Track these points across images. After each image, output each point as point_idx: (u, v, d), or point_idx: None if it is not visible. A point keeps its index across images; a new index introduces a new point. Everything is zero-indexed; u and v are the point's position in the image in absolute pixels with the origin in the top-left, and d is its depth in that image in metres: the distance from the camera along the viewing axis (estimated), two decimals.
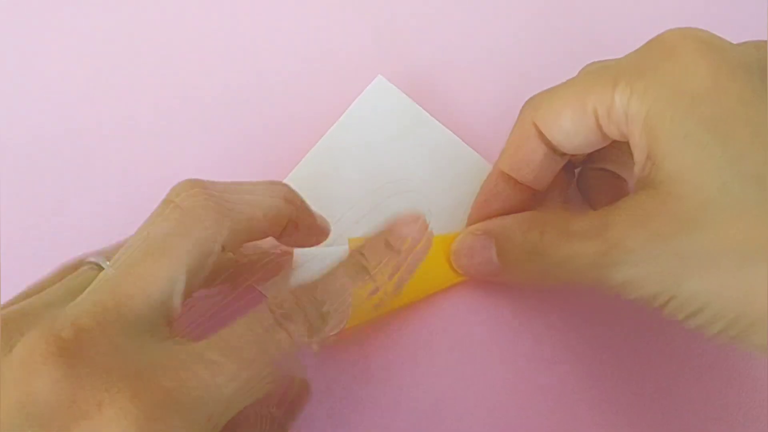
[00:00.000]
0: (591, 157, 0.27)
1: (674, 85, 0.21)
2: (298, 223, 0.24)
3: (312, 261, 0.27)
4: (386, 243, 0.23)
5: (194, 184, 0.21)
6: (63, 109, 0.31)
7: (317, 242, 0.26)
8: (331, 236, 0.27)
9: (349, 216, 0.29)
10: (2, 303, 0.21)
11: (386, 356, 0.27)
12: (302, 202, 0.24)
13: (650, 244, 0.20)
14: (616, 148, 0.25)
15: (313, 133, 0.30)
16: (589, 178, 0.28)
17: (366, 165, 0.30)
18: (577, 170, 0.29)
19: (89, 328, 0.18)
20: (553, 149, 0.25)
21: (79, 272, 0.21)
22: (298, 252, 0.27)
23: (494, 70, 0.32)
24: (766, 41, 0.22)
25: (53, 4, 0.33)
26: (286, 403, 0.24)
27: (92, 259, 0.22)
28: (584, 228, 0.22)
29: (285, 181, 0.29)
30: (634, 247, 0.20)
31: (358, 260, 0.22)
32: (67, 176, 0.30)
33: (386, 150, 0.30)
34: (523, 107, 0.25)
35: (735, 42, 0.22)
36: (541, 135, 0.24)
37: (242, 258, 0.26)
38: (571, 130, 0.23)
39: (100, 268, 0.21)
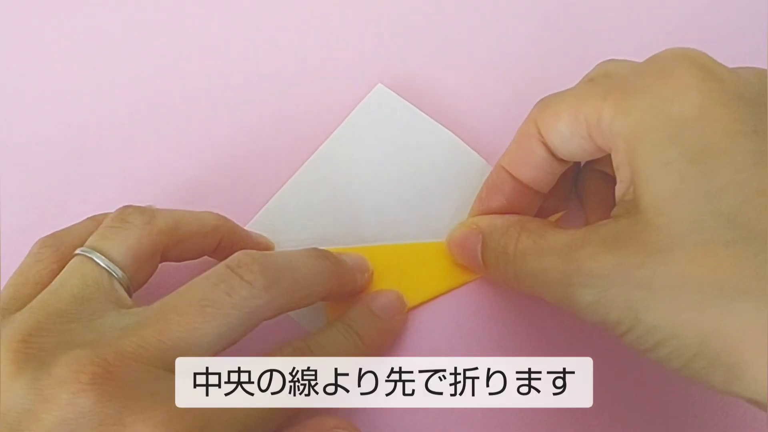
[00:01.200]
0: (592, 160, 0.27)
1: (661, 109, 0.20)
2: (338, 291, 0.26)
3: None
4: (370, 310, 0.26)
5: (255, 259, 0.22)
6: (63, 108, 0.32)
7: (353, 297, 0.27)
8: (333, 239, 0.29)
9: (350, 221, 0.29)
10: None
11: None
12: (345, 273, 0.26)
13: (616, 270, 0.20)
14: None
15: (312, 140, 0.30)
16: (586, 179, 0.28)
17: (368, 171, 0.30)
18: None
19: (130, 354, 0.19)
20: (551, 153, 0.25)
21: (77, 271, 0.22)
22: None
23: (497, 74, 0.32)
24: (767, 70, 0.22)
25: (53, 4, 0.33)
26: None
27: (80, 252, 0.22)
28: (557, 244, 0.22)
29: (283, 189, 0.29)
30: (600, 272, 0.20)
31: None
32: (67, 176, 0.30)
33: (387, 155, 0.30)
34: (534, 106, 0.25)
35: (738, 64, 0.22)
36: (540, 136, 0.24)
37: None
38: (567, 136, 0.23)
39: (92, 261, 0.22)
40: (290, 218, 0.29)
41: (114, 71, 0.32)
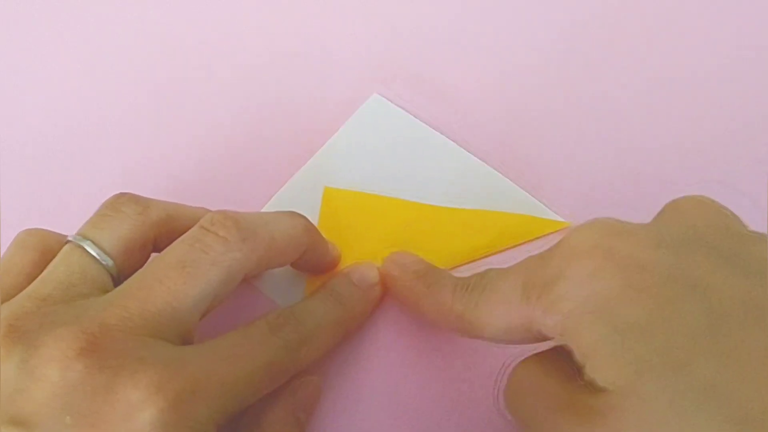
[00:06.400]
0: None
1: (584, 294, 0.19)
2: (313, 253, 0.26)
3: None
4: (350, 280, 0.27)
5: (228, 216, 0.23)
6: (62, 106, 0.32)
7: (328, 269, 0.28)
8: None
9: None
10: None
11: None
12: (318, 233, 0.26)
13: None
14: None
15: (309, 146, 0.30)
16: None
17: (363, 179, 0.30)
18: None
19: (115, 326, 0.20)
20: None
21: (66, 258, 0.22)
22: None
23: (498, 77, 0.32)
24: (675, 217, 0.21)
25: (53, 4, 0.34)
26: (309, 407, 0.26)
27: (71, 239, 0.22)
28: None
29: (278, 194, 0.30)
30: None
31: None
32: (67, 175, 0.31)
33: (383, 163, 0.30)
34: (449, 296, 0.23)
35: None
36: (475, 331, 0.23)
37: None
38: (504, 335, 0.22)
39: (82, 248, 0.22)
40: None
41: (114, 71, 0.33)
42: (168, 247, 0.22)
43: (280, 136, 0.31)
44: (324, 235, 0.27)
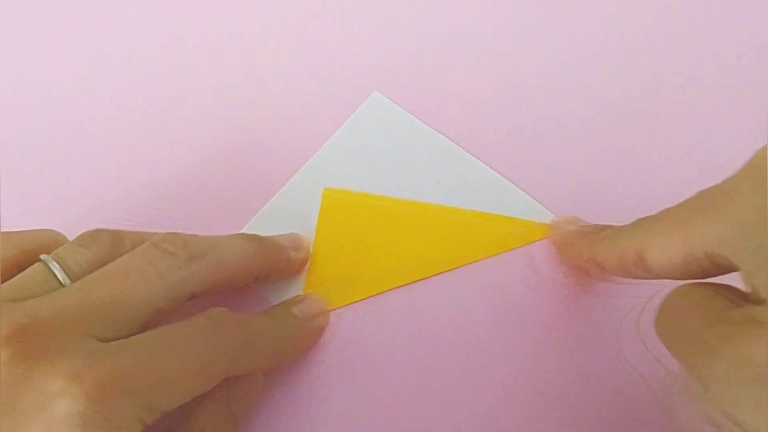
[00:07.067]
0: None
1: (756, 204, 0.18)
2: (275, 273, 0.27)
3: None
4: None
5: (178, 236, 0.23)
6: (62, 109, 0.32)
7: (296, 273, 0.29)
8: None
9: None
10: None
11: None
12: (274, 254, 0.27)
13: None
14: None
15: (309, 146, 0.30)
16: None
17: (363, 178, 0.30)
18: None
19: (45, 319, 0.19)
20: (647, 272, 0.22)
21: (32, 271, 0.22)
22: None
23: (499, 79, 0.32)
24: None
25: (53, 3, 0.34)
26: (247, 403, 0.25)
27: (43, 258, 0.22)
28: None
29: (278, 194, 0.30)
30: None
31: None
32: (66, 177, 0.31)
33: (383, 162, 0.30)
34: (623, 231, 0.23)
35: None
36: (640, 260, 0.22)
37: None
38: (676, 261, 0.21)
39: (47, 267, 0.22)
40: (284, 224, 0.29)
41: (114, 72, 0.33)
42: (118, 258, 0.22)
43: (280, 136, 0.31)
44: (323, 236, 0.27)
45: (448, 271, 0.29)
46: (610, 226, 0.25)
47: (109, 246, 0.23)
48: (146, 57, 0.33)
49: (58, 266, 0.22)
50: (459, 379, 0.27)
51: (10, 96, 0.32)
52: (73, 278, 0.22)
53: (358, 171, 0.30)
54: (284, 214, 0.30)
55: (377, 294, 0.29)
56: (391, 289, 0.29)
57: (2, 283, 0.22)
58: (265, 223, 0.30)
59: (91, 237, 0.23)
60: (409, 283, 0.29)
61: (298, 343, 0.27)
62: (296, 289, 0.28)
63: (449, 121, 0.31)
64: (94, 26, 0.34)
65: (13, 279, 0.22)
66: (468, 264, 0.29)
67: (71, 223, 0.25)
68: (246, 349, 0.23)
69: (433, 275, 0.29)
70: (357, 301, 0.28)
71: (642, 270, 0.22)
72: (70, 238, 0.24)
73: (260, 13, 0.34)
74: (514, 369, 0.27)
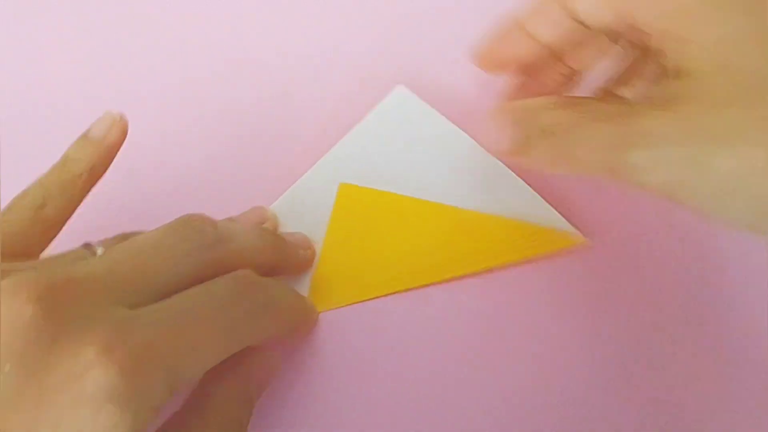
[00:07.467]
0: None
1: None
2: (277, 269, 0.27)
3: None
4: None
5: (207, 217, 0.24)
6: (64, 108, 0.31)
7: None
8: None
9: None
10: None
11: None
12: (286, 251, 0.27)
13: (675, 124, 0.19)
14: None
15: (329, 138, 0.30)
16: None
17: (383, 172, 0.29)
18: None
19: (79, 282, 0.19)
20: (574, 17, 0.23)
21: (73, 251, 0.23)
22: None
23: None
24: None
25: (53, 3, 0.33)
26: (262, 383, 0.26)
27: (92, 243, 0.23)
28: (606, 112, 0.21)
29: (295, 185, 0.29)
30: (659, 129, 0.19)
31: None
32: None
33: (404, 156, 0.29)
34: None
35: None
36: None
37: None
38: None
39: (92, 250, 0.23)
40: (301, 215, 0.29)
41: (115, 72, 0.32)
42: (150, 231, 0.23)
43: (296, 130, 0.31)
44: (335, 232, 0.27)
45: (460, 277, 0.29)
46: None
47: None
48: (155, 54, 0.33)
49: (102, 249, 0.23)
50: (461, 388, 0.27)
51: (10, 96, 0.32)
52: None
53: (376, 167, 0.29)
54: (298, 209, 0.29)
55: (385, 295, 0.28)
56: (399, 292, 0.28)
57: None
58: (282, 214, 0.29)
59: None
60: (419, 287, 0.28)
61: (308, 308, 0.27)
62: (303, 283, 0.28)
63: (476, 120, 0.29)
64: (94, 28, 0.33)
65: (57, 253, 0.22)
66: (482, 270, 0.29)
67: (71, 222, 0.25)
68: (268, 312, 0.24)
69: (444, 280, 0.28)
70: (363, 301, 0.28)
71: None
72: (70, 237, 0.24)
73: (283, 3, 0.33)
74: (517, 379, 0.27)
